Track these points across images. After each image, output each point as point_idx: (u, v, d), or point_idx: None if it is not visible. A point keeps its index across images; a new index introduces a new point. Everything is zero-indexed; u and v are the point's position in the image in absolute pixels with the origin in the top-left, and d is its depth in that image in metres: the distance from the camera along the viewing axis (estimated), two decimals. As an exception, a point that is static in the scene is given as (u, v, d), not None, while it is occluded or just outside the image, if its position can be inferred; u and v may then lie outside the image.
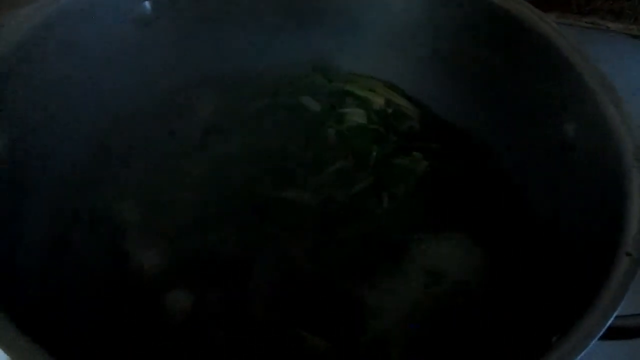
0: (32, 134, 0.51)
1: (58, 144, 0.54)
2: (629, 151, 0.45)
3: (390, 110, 0.64)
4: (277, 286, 0.51)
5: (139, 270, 0.52)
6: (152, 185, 0.56)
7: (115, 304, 0.49)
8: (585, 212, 0.47)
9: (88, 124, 0.57)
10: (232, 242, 0.53)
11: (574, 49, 0.52)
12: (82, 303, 0.48)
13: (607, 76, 0.50)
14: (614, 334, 0.38)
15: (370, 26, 0.65)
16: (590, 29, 0.68)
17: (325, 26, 0.65)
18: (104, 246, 0.52)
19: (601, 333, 0.36)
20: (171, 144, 0.59)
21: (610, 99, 0.49)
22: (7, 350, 0.34)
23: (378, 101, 0.65)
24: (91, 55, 0.56)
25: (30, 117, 0.51)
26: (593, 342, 0.35)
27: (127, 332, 0.47)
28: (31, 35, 0.51)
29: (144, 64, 0.61)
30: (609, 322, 0.36)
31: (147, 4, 0.60)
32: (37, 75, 0.52)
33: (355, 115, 0.63)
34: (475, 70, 0.61)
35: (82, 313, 0.47)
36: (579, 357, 0.35)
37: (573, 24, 0.68)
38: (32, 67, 0.51)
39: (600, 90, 0.49)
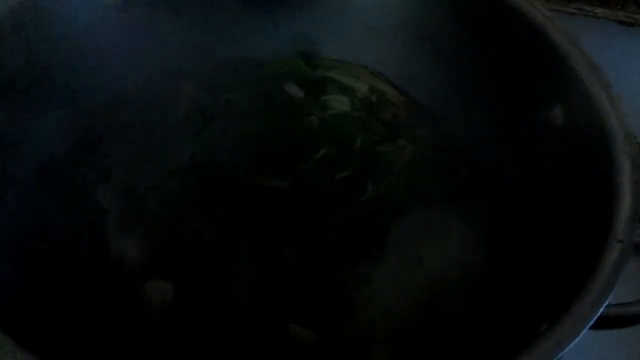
0: (11, 118, 0.50)
1: (38, 130, 0.53)
2: (618, 137, 0.44)
3: (374, 98, 0.63)
4: (260, 275, 0.51)
5: (119, 258, 0.51)
6: (133, 173, 0.55)
7: (94, 292, 0.48)
8: (575, 199, 0.46)
9: (68, 110, 0.56)
10: (215, 230, 0.53)
11: (562, 34, 0.52)
12: (59, 292, 0.47)
13: (595, 61, 0.49)
14: (605, 323, 0.37)
15: (355, 12, 0.64)
16: (577, 15, 0.68)
17: (309, 12, 0.64)
18: (83, 234, 0.52)
19: (592, 322, 0.35)
20: (152, 131, 0.58)
21: (599, 84, 0.48)
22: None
23: (362, 88, 0.64)
24: (70, 40, 0.55)
25: (9, 102, 0.50)
26: (583, 331, 0.35)
27: (106, 321, 0.47)
28: (6, 18, 0.50)
29: (124, 50, 0.60)
30: (600, 311, 0.35)
31: (121, -12, 0.58)
32: (14, 59, 0.51)
33: (339, 103, 0.62)
34: (461, 57, 0.60)
35: (58, 302, 0.46)
36: (569, 347, 0.34)
37: (560, 10, 0.68)
38: (9, 51, 0.51)
39: (588, 75, 0.49)
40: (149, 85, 0.61)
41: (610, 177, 0.42)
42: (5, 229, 0.48)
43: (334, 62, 0.65)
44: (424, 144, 0.60)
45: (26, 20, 0.52)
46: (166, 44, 0.62)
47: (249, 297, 0.49)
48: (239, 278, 0.50)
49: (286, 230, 0.53)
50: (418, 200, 0.56)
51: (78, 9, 0.55)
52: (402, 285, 0.50)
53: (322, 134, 0.60)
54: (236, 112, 0.61)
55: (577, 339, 0.34)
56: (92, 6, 0.57)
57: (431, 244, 0.53)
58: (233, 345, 0.47)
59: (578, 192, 0.46)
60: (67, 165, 0.54)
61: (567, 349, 0.34)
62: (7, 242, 0.47)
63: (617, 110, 0.46)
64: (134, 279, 0.50)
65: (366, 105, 0.63)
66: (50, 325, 0.43)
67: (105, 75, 0.58)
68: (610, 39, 0.69)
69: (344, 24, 0.64)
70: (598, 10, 0.67)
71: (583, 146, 0.47)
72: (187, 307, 0.49)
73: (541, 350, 0.34)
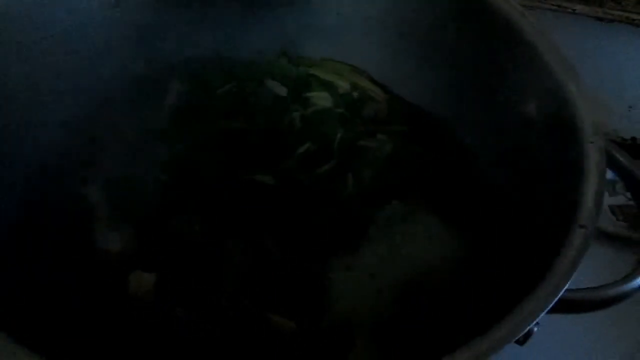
0: (3, 120, 0.51)
1: (26, 129, 0.54)
2: (586, 128, 0.45)
3: (355, 94, 0.64)
4: (243, 268, 0.52)
5: (105, 252, 0.52)
6: (119, 169, 0.56)
7: (81, 285, 0.49)
8: (544, 187, 0.48)
9: (56, 108, 0.57)
10: (199, 225, 0.53)
11: (535, 30, 0.52)
12: (47, 284, 0.48)
13: (567, 57, 0.50)
14: (565, 307, 0.38)
15: (337, 10, 0.65)
16: (556, 11, 0.69)
17: (292, 10, 0.65)
18: (71, 229, 0.52)
19: (551, 305, 0.36)
20: (139, 128, 0.59)
21: (570, 79, 0.49)
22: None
23: (343, 85, 0.64)
24: (59, 39, 0.56)
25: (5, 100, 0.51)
26: (543, 313, 0.35)
27: (91, 312, 0.47)
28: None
29: (113, 48, 0.61)
30: (560, 294, 0.36)
31: (109, -14, 0.59)
32: (4, 59, 0.52)
33: (321, 99, 0.63)
34: (440, 53, 0.61)
35: (46, 294, 0.47)
36: (529, 327, 0.35)
37: (539, 6, 0.68)
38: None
39: (561, 70, 0.50)
40: (137, 83, 0.62)
41: (578, 166, 0.43)
42: (6, 218, 0.49)
43: (317, 60, 0.66)
44: (404, 139, 0.61)
45: (17, 19, 0.52)
46: (152, 43, 0.63)
47: (232, 288, 0.50)
48: (222, 270, 0.51)
49: (270, 223, 0.54)
50: (397, 194, 0.56)
51: (68, 7, 0.56)
52: (381, 277, 0.51)
53: (305, 130, 0.61)
54: (222, 110, 0.62)
55: (535, 321, 0.35)
56: (83, 5, 0.57)
57: (410, 236, 0.54)
58: (215, 334, 0.48)
59: (548, 181, 0.47)
60: (59, 162, 0.55)
61: (526, 330, 0.35)
62: (7, 230, 0.49)
63: (585, 103, 0.47)
64: (119, 271, 0.50)
65: (348, 101, 0.64)
66: (38, 318, 0.44)
67: (96, 73, 0.60)
68: (589, 36, 0.69)
69: (326, 22, 0.65)
70: (577, 7, 0.67)
71: (554, 137, 0.48)
72: (170, 298, 0.49)
73: (500, 333, 0.35)
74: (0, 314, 0.36)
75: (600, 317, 0.43)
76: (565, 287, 0.36)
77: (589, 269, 0.39)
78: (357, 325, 0.49)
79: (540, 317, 0.35)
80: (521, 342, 0.38)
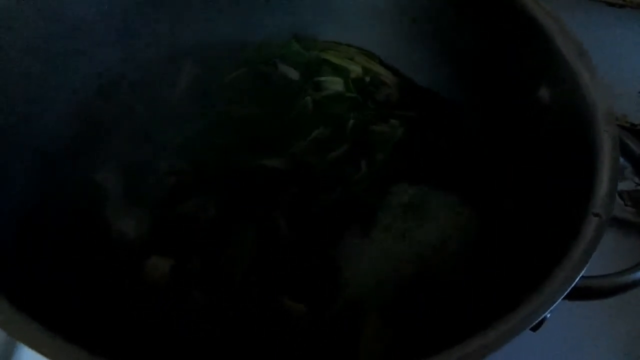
0: (13, 103, 0.51)
1: (40, 114, 0.54)
2: (600, 116, 0.45)
3: (367, 79, 0.65)
4: (255, 251, 0.52)
5: (120, 237, 0.52)
6: (133, 155, 0.56)
7: (97, 271, 0.49)
8: (559, 175, 0.48)
9: (70, 94, 0.57)
10: (212, 209, 0.54)
11: (549, 16, 0.52)
12: (64, 272, 0.48)
13: (581, 43, 0.50)
14: (580, 294, 0.38)
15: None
16: (568, -4, 0.69)
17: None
18: (85, 215, 0.53)
19: (567, 292, 0.36)
20: (152, 113, 0.59)
21: (584, 66, 0.49)
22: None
23: (355, 70, 0.65)
24: (74, 24, 0.56)
25: (11, 86, 0.51)
26: (558, 301, 0.36)
27: (109, 297, 0.48)
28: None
29: (126, 33, 0.61)
30: (575, 281, 0.37)
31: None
32: (18, 43, 0.52)
33: (333, 84, 0.64)
34: (452, 39, 0.61)
35: (63, 281, 0.47)
36: (544, 315, 0.35)
37: (551, -9, 0.68)
38: (13, 34, 0.51)
39: (574, 56, 0.50)
40: (149, 68, 0.62)
41: (591, 154, 0.44)
42: (10, 212, 0.49)
43: (329, 44, 0.67)
44: (416, 123, 0.61)
45: (26, 5, 0.52)
46: (165, 29, 0.63)
47: (245, 271, 0.51)
48: (235, 254, 0.52)
49: (282, 207, 0.54)
50: (409, 177, 0.57)
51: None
52: (392, 260, 0.52)
53: (317, 115, 0.61)
54: (234, 93, 0.62)
55: (552, 308, 0.36)
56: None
57: (421, 219, 0.54)
58: (229, 317, 0.49)
59: (562, 168, 0.47)
60: (70, 149, 0.56)
61: (542, 317, 0.35)
62: (11, 225, 0.48)
63: (599, 90, 0.47)
64: (134, 256, 0.51)
65: (360, 86, 0.64)
66: (53, 303, 0.43)
67: (109, 58, 0.60)
68: (600, 21, 0.69)
69: (339, 6, 0.65)
70: (588, -8, 0.67)
71: (567, 124, 0.48)
72: (185, 282, 0.50)
73: (517, 318, 0.35)
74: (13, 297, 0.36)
75: (607, 303, 0.44)
76: (581, 274, 0.37)
77: (596, 254, 0.39)
78: (368, 309, 0.49)
79: (556, 304, 0.36)
80: (534, 328, 0.38)
